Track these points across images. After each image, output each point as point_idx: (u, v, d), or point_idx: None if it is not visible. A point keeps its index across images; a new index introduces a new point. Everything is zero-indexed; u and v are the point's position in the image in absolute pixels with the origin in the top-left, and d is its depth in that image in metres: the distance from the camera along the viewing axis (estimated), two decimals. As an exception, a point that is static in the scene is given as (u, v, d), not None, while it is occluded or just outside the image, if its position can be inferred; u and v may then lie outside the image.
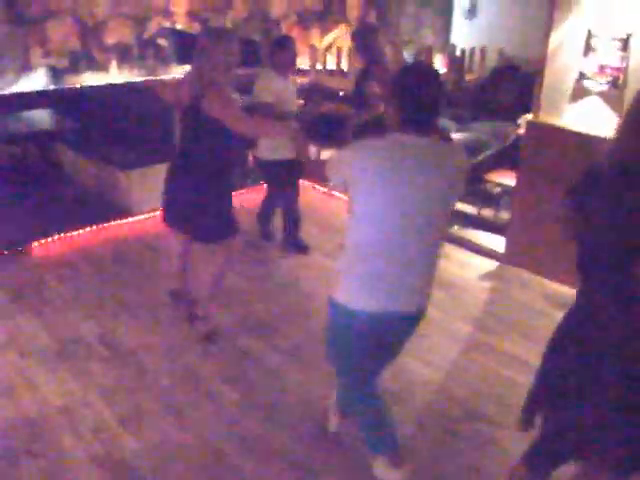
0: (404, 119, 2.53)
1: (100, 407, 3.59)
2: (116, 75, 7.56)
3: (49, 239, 5.51)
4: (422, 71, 2.68)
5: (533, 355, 4.12)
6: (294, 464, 3.24)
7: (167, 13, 8.20)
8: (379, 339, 2.84)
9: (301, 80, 7.53)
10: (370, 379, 3.01)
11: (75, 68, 7.33)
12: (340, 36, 9.86)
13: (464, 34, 9.90)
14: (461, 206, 6.12)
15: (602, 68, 4.54)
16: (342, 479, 3.17)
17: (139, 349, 4.12)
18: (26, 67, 7.27)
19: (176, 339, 4.23)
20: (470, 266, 5.36)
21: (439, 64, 9.27)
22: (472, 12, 9.92)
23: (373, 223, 2.58)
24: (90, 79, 7.29)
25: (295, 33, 9.49)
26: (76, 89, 7.07)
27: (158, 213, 5.98)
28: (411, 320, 2.83)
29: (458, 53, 9.06)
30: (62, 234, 5.58)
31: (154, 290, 4.81)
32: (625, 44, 4.40)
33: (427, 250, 2.67)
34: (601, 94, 4.59)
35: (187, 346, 4.18)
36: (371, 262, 2.63)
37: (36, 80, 7.22)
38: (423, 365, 4.04)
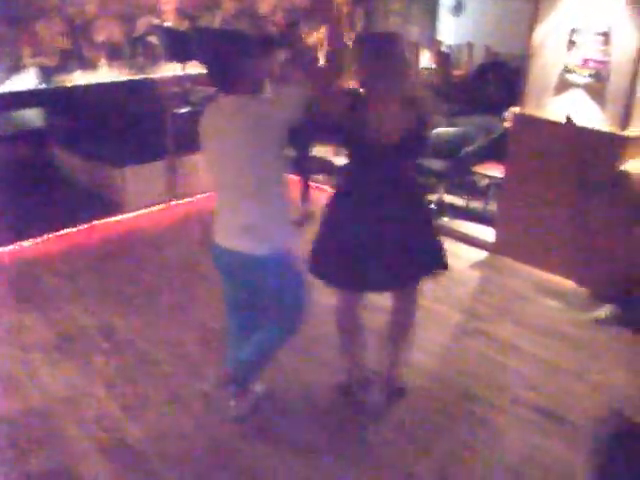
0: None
1: (103, 397, 3.67)
2: (106, 73, 7.61)
3: (45, 237, 5.60)
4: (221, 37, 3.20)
5: (523, 340, 4.30)
6: (296, 448, 3.35)
7: (156, 11, 8.26)
8: (228, 274, 3.20)
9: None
10: (235, 320, 3.38)
11: (65, 67, 7.38)
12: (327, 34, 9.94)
13: (451, 31, 10.01)
14: (450, 198, 6.25)
15: (585, 62, 4.67)
16: (346, 461, 3.28)
17: (139, 340, 4.21)
18: (16, 66, 7.33)
19: (174, 328, 4.32)
20: (460, 256, 5.48)
21: (426, 60, 9.39)
22: (458, 9, 10.02)
23: (208, 169, 3.09)
24: (80, 78, 7.34)
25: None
26: (66, 88, 7.12)
27: (153, 209, 6.13)
28: (248, 260, 2.99)
29: (445, 49, 9.18)
30: (57, 231, 5.67)
31: (151, 282, 4.92)
32: (607, 38, 4.53)
33: (254, 192, 2.92)
34: (585, 87, 4.72)
35: (186, 335, 4.27)
36: (216, 202, 3.10)
37: (26, 79, 7.27)
38: (417, 352, 4.15)
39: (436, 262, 3.42)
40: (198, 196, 6.50)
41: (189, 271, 5.11)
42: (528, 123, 5.07)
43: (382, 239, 3.16)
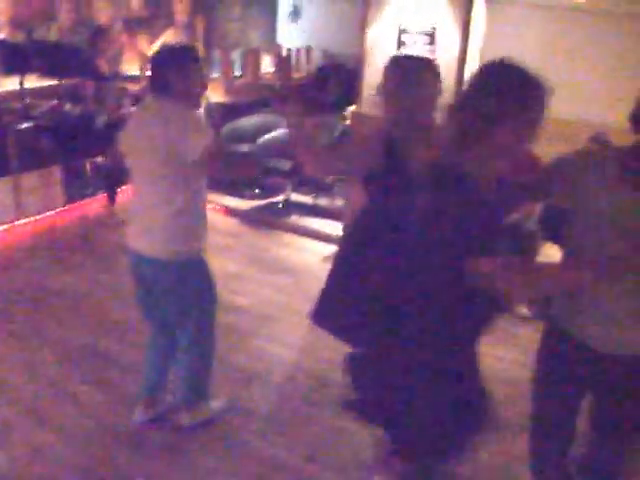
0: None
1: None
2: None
3: None
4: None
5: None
6: (170, 450, 3.39)
7: (-12, 24, 7.94)
8: (138, 278, 3.24)
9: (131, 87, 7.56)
10: (150, 322, 3.44)
11: None
12: (168, 41, 9.90)
13: (289, 35, 10.24)
14: (297, 196, 6.45)
15: (413, 60, 4.98)
16: (216, 458, 3.35)
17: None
18: None
19: (31, 350, 4.21)
20: (310, 251, 5.68)
21: (267, 64, 9.57)
22: (296, 14, 10.25)
23: (130, 171, 3.15)
24: None
25: (123, 40, 9.45)
26: None
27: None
28: (154, 265, 3.10)
29: (284, 53, 9.41)
30: None
31: (6, 309, 4.72)
32: (432, 38, 4.87)
33: (164, 201, 3.00)
34: (415, 84, 5.03)
35: (44, 356, 4.17)
36: (130, 204, 3.25)
37: None
38: (276, 345, 4.31)
39: None
40: (47, 213, 6.29)
41: (40, 290, 4.95)
42: (365, 120, 5.33)
43: None
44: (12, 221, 6.18)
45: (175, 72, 3.00)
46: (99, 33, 7.36)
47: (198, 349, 3.38)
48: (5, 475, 3.23)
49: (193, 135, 2.89)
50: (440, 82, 2.83)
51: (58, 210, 6.18)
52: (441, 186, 2.17)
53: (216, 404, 3.63)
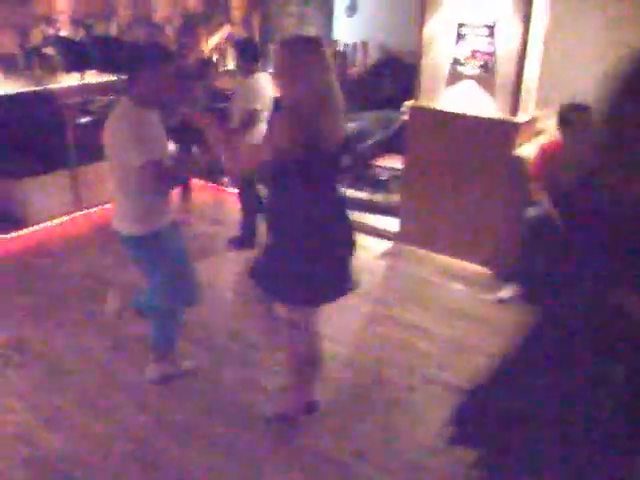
0: None
1: (20, 411, 3.62)
2: (2, 86, 7.42)
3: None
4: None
5: (430, 322, 4.48)
6: (212, 441, 3.40)
7: (50, 21, 8.11)
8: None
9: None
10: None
11: (-44, 81, 7.17)
12: (226, 37, 9.97)
13: (346, 30, 10.19)
14: (353, 192, 6.40)
15: (473, 53, 4.90)
16: (267, 455, 3.35)
17: (50, 353, 4.16)
18: None
19: (85, 337, 4.28)
20: (366, 247, 5.62)
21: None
22: (352, 9, 10.19)
23: None
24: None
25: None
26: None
27: (57, 221, 6.02)
28: (121, 238, 3.52)
29: (341, 48, 9.37)
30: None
31: (58, 294, 4.84)
32: (492, 30, 4.77)
33: (120, 188, 3.40)
34: (474, 77, 4.95)
35: (96, 343, 4.24)
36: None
37: None
38: (328, 342, 4.24)
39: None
40: (104, 206, 6.39)
41: (95, 280, 5.04)
42: (423, 114, 5.26)
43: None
44: (70, 213, 6.31)
45: (137, 72, 3.23)
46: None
47: (156, 312, 3.73)
48: (58, 458, 3.29)
49: (132, 147, 3.16)
50: (325, 59, 2.91)
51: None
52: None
53: (184, 364, 3.96)
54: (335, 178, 3.12)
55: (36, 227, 5.98)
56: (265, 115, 5.14)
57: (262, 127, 4.96)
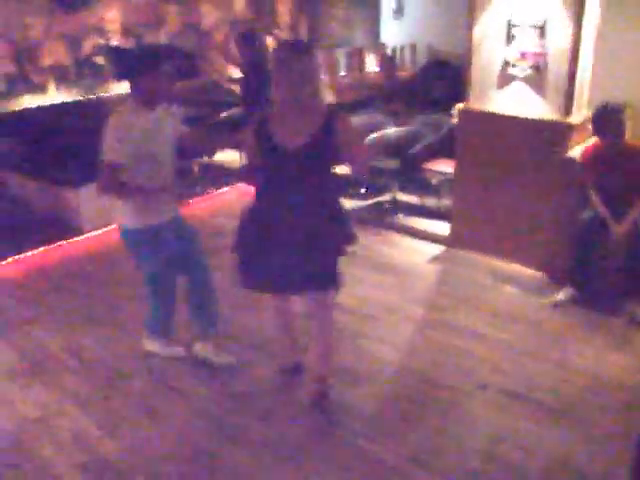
0: None
1: (76, 416, 3.69)
2: (55, 95, 7.59)
3: (3, 261, 5.59)
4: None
5: (483, 326, 4.44)
6: (267, 444, 3.41)
7: (101, 31, 8.26)
8: None
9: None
10: None
11: (12, 91, 7.34)
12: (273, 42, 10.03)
13: (393, 33, 10.18)
14: (404, 196, 6.39)
15: (524, 54, 4.84)
16: (321, 457, 3.35)
17: (107, 357, 4.23)
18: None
19: (139, 344, 4.31)
20: (417, 251, 5.61)
21: (372, 63, 9.55)
22: (399, 12, 10.19)
23: None
24: (29, 101, 7.31)
25: (229, 43, 9.63)
26: (16, 112, 7.08)
27: (110, 228, 6.12)
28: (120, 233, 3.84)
29: (389, 52, 9.36)
30: (15, 256, 5.65)
31: (112, 300, 4.92)
32: (542, 31, 4.70)
33: None
34: (525, 79, 4.88)
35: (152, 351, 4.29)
36: None
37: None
38: (382, 346, 4.26)
39: (320, 280, 3.46)
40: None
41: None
42: (474, 117, 5.22)
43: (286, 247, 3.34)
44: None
45: (132, 73, 3.51)
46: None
47: (149, 299, 4.04)
48: (115, 464, 3.33)
49: (103, 141, 3.43)
50: (313, 63, 3.11)
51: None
52: None
53: (168, 349, 4.18)
54: (297, 180, 3.23)
55: (91, 234, 6.10)
56: None
57: None
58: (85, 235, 6.07)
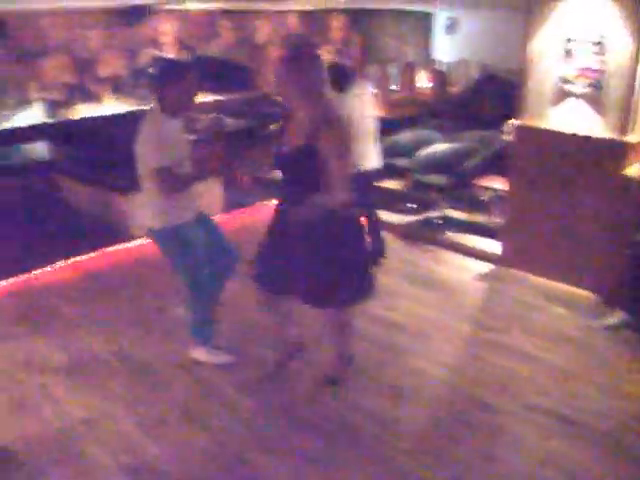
0: None
1: (121, 418, 3.72)
2: (110, 105, 7.74)
3: (54, 265, 5.68)
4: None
5: (532, 347, 4.35)
6: (308, 457, 3.39)
7: (157, 44, 8.42)
8: None
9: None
10: None
11: (70, 101, 7.51)
12: (326, 58, 10.08)
13: (445, 49, 10.14)
14: (453, 213, 6.32)
15: (582, 71, 4.75)
16: (362, 474, 3.30)
17: (153, 362, 4.26)
18: (23, 101, 7.46)
19: (186, 352, 4.36)
20: (466, 269, 5.54)
21: (424, 79, 9.51)
22: (452, 27, 10.15)
23: None
24: (86, 110, 7.45)
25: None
26: (73, 120, 7.22)
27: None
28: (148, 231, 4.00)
29: (440, 67, 9.32)
30: (67, 259, 5.74)
31: (161, 306, 4.97)
32: (601, 47, 4.62)
33: (143, 186, 3.84)
34: (582, 96, 4.80)
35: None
36: None
37: (33, 114, 7.40)
38: (428, 363, 4.20)
39: (314, 296, 3.56)
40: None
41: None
42: (529, 134, 5.14)
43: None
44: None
45: (162, 83, 3.67)
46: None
47: (189, 303, 4.12)
48: (155, 467, 3.35)
49: (145, 150, 3.65)
50: (319, 70, 3.30)
51: (218, 215, 6.38)
52: None
53: (208, 355, 4.22)
54: (291, 184, 3.46)
55: (141, 240, 6.16)
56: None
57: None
58: (135, 241, 6.14)
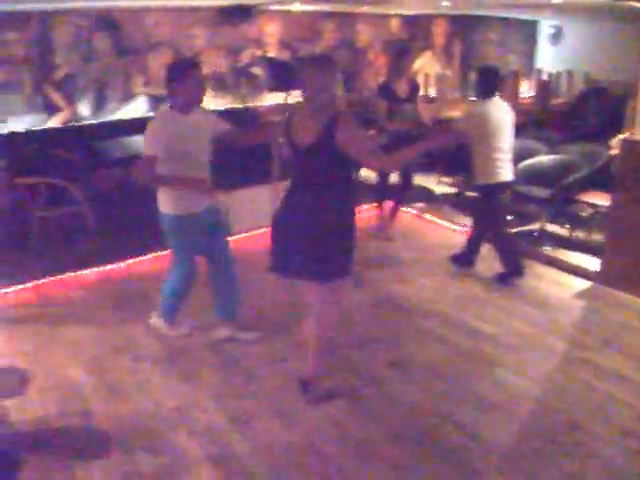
0: None
1: (211, 409, 3.79)
2: (211, 102, 7.91)
3: (149, 255, 5.88)
4: None
5: (630, 370, 4.18)
6: (395, 465, 3.37)
7: (260, 43, 8.56)
8: None
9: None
10: None
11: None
12: (426, 63, 10.03)
13: (549, 59, 9.93)
14: (552, 227, 6.17)
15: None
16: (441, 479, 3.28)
17: (245, 357, 4.34)
18: (128, 95, 7.73)
19: (279, 346, 4.42)
20: (564, 285, 5.40)
21: (526, 89, 9.33)
22: (556, 37, 9.94)
23: None
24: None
25: (381, 61, 9.73)
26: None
27: (257, 232, 6.30)
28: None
29: (544, 77, 9.12)
30: (160, 251, 5.88)
31: (253, 302, 5.02)
32: None
33: None
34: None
35: (291, 353, 4.37)
36: None
37: (136, 107, 7.66)
38: (521, 378, 4.11)
39: (317, 272, 3.63)
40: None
41: (294, 290, 5.16)
42: (637, 149, 4.95)
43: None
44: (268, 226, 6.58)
45: (170, 81, 3.85)
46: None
47: (174, 275, 4.43)
48: (242, 460, 3.39)
49: (143, 139, 3.93)
50: (333, 72, 3.49)
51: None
52: None
53: (178, 330, 4.59)
54: (309, 176, 3.58)
55: (238, 236, 6.26)
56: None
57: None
58: (233, 237, 6.21)
